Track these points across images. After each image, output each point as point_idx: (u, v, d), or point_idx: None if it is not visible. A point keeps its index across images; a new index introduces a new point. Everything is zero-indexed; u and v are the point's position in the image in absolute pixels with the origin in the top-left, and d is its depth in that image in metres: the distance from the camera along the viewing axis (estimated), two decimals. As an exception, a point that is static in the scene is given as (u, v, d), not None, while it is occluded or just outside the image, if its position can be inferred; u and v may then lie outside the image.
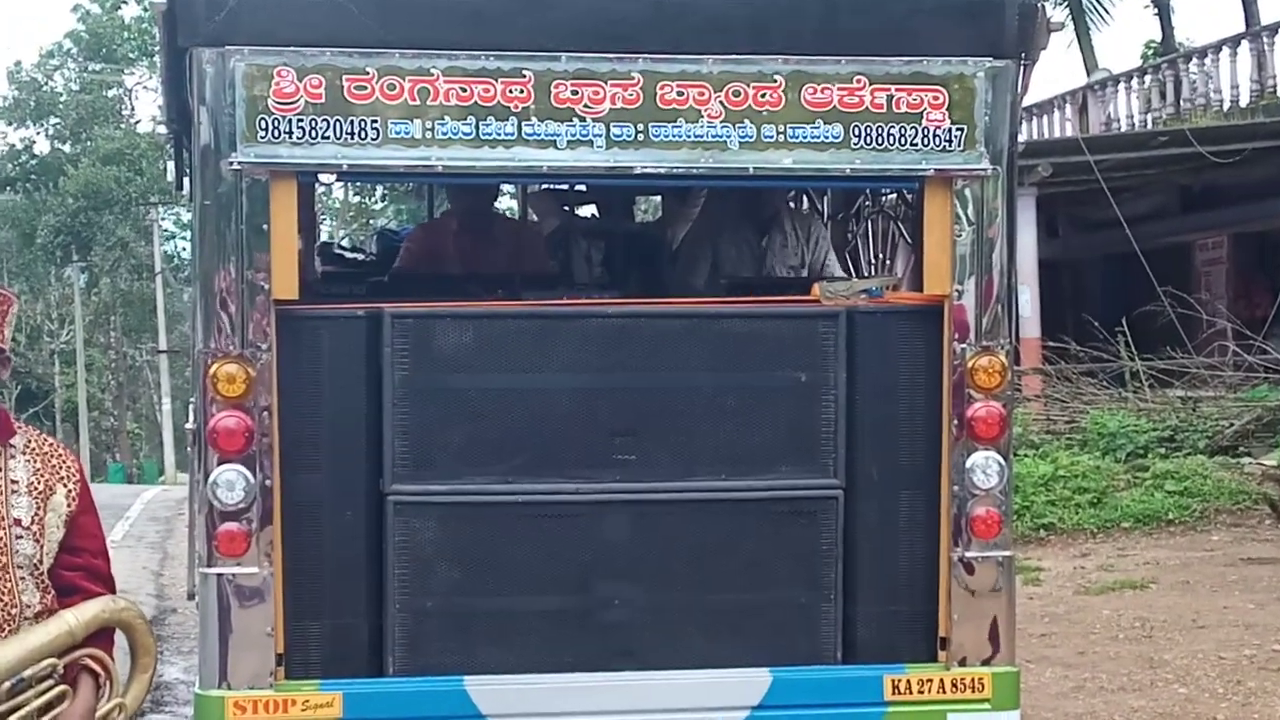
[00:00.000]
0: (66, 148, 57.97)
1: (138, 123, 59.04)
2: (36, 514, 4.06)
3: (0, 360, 4.09)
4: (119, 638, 4.16)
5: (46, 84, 59.02)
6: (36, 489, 4.08)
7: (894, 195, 7.54)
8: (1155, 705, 8.99)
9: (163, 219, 54.17)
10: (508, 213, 10.43)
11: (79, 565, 4.15)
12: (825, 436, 5.98)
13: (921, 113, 5.87)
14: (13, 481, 4.05)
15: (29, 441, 4.15)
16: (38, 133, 59.17)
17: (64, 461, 4.19)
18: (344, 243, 12.42)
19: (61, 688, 4.00)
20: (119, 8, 59.19)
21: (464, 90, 5.68)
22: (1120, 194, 21.20)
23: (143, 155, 53.40)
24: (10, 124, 58.82)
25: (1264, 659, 9.88)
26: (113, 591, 4.22)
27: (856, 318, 6.04)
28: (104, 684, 4.10)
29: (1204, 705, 8.97)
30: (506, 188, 9.73)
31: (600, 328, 6.02)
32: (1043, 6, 6.04)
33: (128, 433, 61.30)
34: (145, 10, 56.02)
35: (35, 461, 4.11)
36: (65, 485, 4.13)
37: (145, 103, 60.43)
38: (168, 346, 52.29)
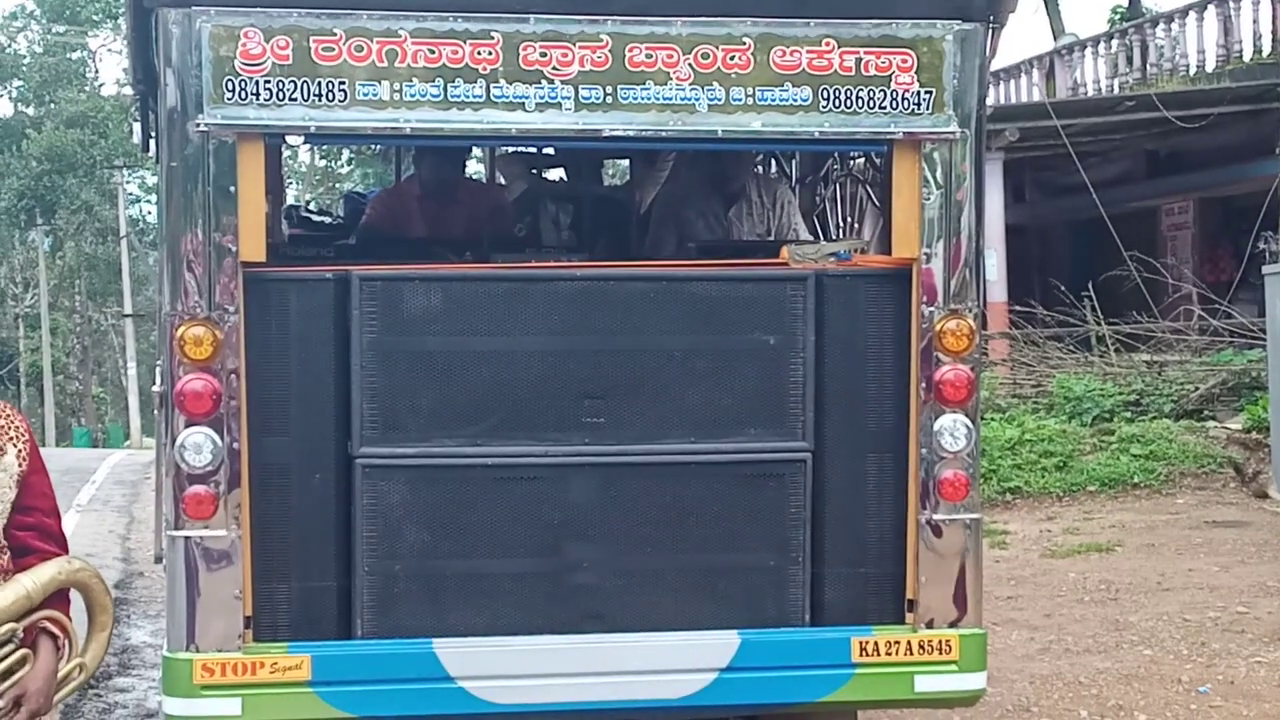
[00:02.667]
0: (30, 111, 57.64)
1: (102, 85, 58.79)
2: (-12, 475, 4.06)
3: None
4: (76, 599, 4.15)
5: (9, 46, 58.70)
6: (-13, 450, 4.07)
7: (862, 159, 7.54)
8: (1120, 667, 9.05)
9: (127, 182, 53.94)
10: (475, 176, 10.40)
11: (31, 525, 4.14)
12: (793, 399, 5.99)
13: (890, 76, 5.87)
14: (-35, 444, 4.04)
15: (-23, 403, 4.15)
16: (0, 95, 58.76)
17: (12, 422, 4.17)
18: (311, 206, 12.34)
19: (22, 652, 4.00)
20: (83, -31, 58.82)
21: (432, 52, 5.66)
22: (1087, 159, 21.27)
23: (107, 118, 53.09)
24: (-27, 87, 58.51)
25: (1228, 621, 9.95)
26: (65, 550, 4.21)
27: (825, 281, 6.05)
28: (63, 645, 4.09)
29: (1168, 666, 9.03)
30: (475, 151, 9.68)
31: (569, 291, 6.01)
32: (1012, -31, 6.04)
33: (93, 397, 61.13)
34: (109, -29, 55.77)
35: (-16, 423, 4.10)
36: (15, 445, 4.12)
37: (109, 65, 60.32)
38: (133, 310, 52.15)
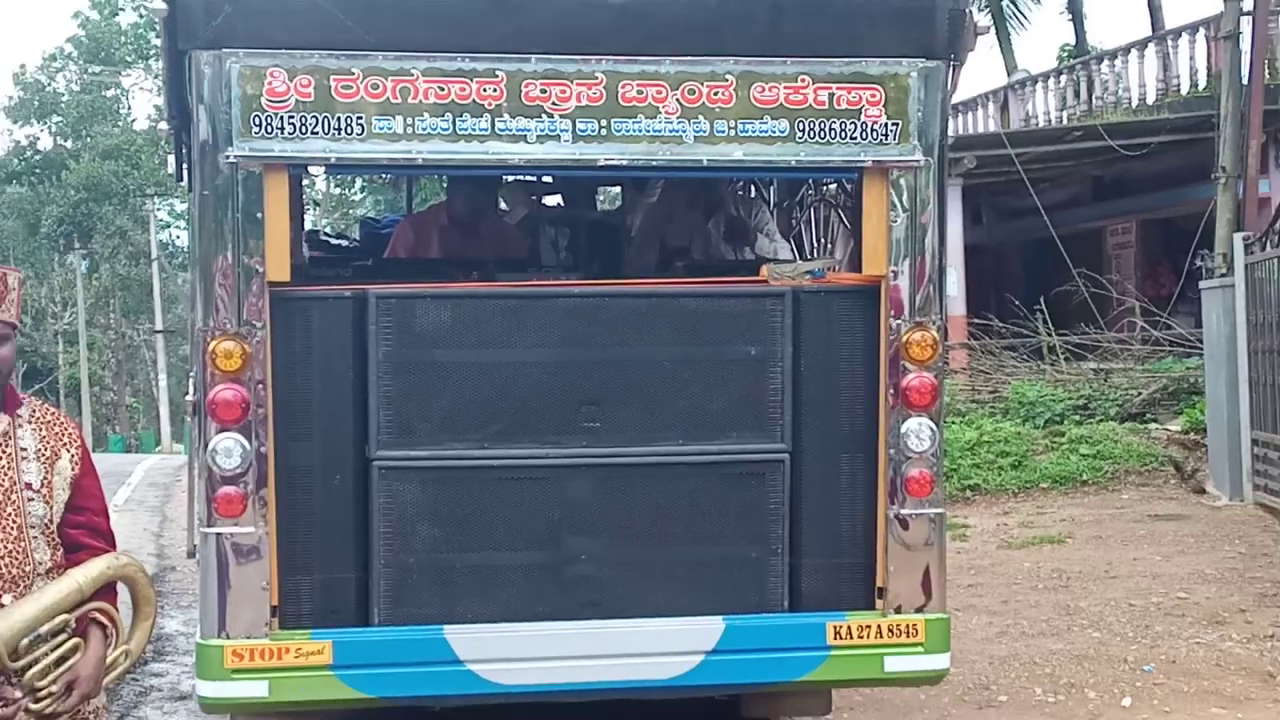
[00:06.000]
0: (68, 144, 57.45)
1: (134, 120, 58.56)
2: (45, 478, 4.06)
3: (2, 336, 4.04)
4: (121, 590, 4.16)
5: (49, 85, 58.47)
6: (44, 455, 4.07)
7: (835, 185, 7.55)
8: (1072, 648, 9.06)
9: (158, 209, 53.78)
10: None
11: (82, 523, 4.14)
12: (773, 405, 6.00)
13: (860, 109, 5.88)
14: (22, 449, 4.04)
15: (34, 412, 4.15)
16: (41, 130, 58.64)
17: (66, 429, 4.18)
18: (328, 230, 12.36)
19: (74, 640, 4.00)
20: (116, 14, 58.64)
21: (442, 89, 5.67)
22: (1038, 184, 21.31)
23: (139, 150, 52.98)
24: (16, 122, 58.28)
25: (1170, 605, 9.96)
26: (113, 546, 4.22)
27: (801, 297, 6.06)
28: (111, 634, 4.09)
29: (1115, 648, 9.04)
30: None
31: (568, 307, 6.02)
32: (970, 12, 6.06)
33: (127, 406, 60.92)
34: (141, 16, 55.65)
35: (41, 430, 4.11)
36: (69, 450, 4.13)
37: (141, 102, 60.16)
38: (164, 327, 51.99)
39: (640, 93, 5.76)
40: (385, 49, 5.63)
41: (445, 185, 8.63)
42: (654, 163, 5.91)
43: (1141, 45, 23.95)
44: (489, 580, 5.90)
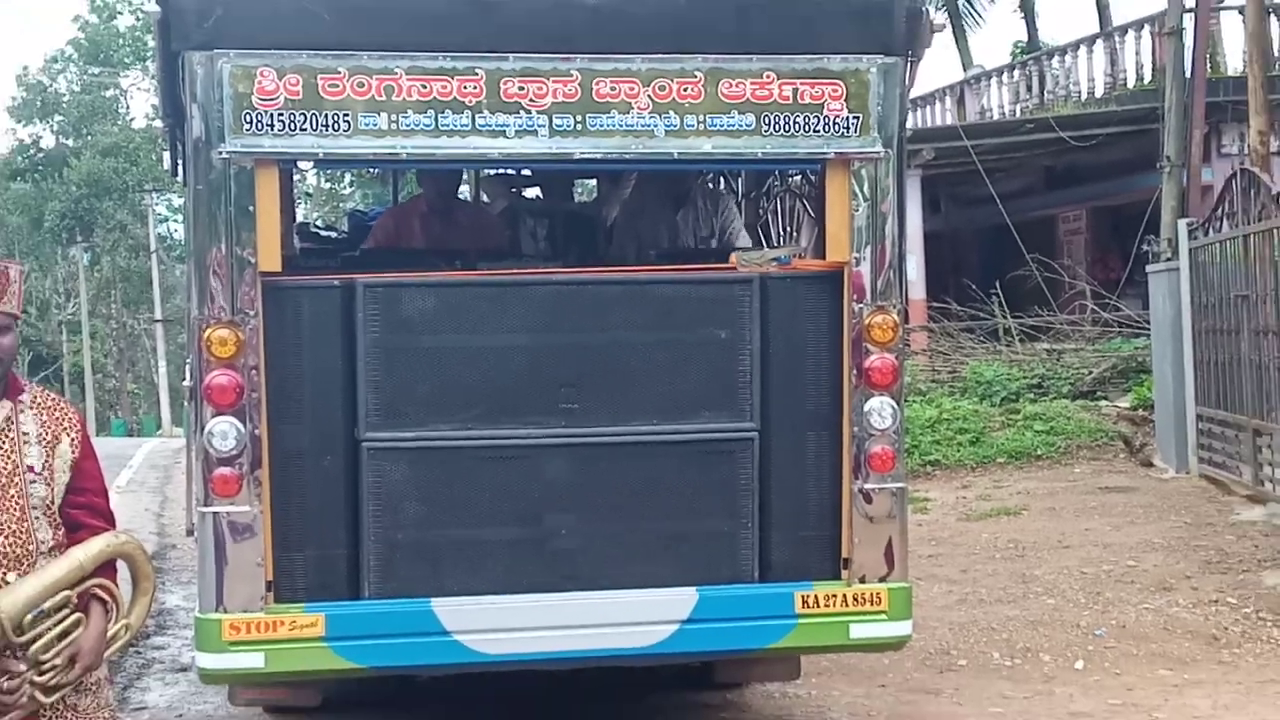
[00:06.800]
0: (70, 142, 57.13)
1: (132, 119, 58.26)
2: (46, 461, 4.04)
3: (4, 326, 4.00)
4: (121, 567, 4.14)
5: (51, 86, 58.15)
6: (45, 439, 4.05)
7: (799, 175, 7.55)
8: (1027, 614, 9.08)
9: (156, 204, 53.52)
10: (464, 196, 10.38)
11: (83, 504, 4.12)
12: (742, 386, 6.00)
13: (823, 104, 5.89)
14: (24, 433, 4.02)
15: (35, 398, 4.12)
16: (44, 129, 58.32)
17: (66, 414, 4.16)
18: (318, 223, 12.30)
19: (76, 615, 3.98)
20: (114, 18, 58.29)
21: (424, 87, 5.66)
22: (993, 174, 21.32)
23: (137, 148, 52.71)
24: (19, 121, 57.95)
25: (1120, 573, 9.99)
26: (112, 525, 4.20)
27: (768, 282, 6.06)
28: (111, 609, 4.08)
29: (1069, 613, 9.06)
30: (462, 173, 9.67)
31: (546, 294, 6.02)
32: (927, 10, 6.06)
33: (128, 392, 60.69)
34: (137, 19, 55.38)
35: (42, 415, 4.08)
36: (69, 435, 4.11)
37: (139, 101, 59.59)
38: (163, 316, 51.79)
39: (613, 89, 5.76)
40: (370, 48, 5.62)
41: (417, 176, 8.59)
42: (627, 156, 5.92)
43: (1090, 41, 23.98)
44: (474, 554, 5.89)
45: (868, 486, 6.01)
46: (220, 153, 5.57)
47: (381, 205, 11.96)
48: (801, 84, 5.87)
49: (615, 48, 5.76)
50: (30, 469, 4.01)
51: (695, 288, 6.10)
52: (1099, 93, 23.03)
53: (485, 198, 9.35)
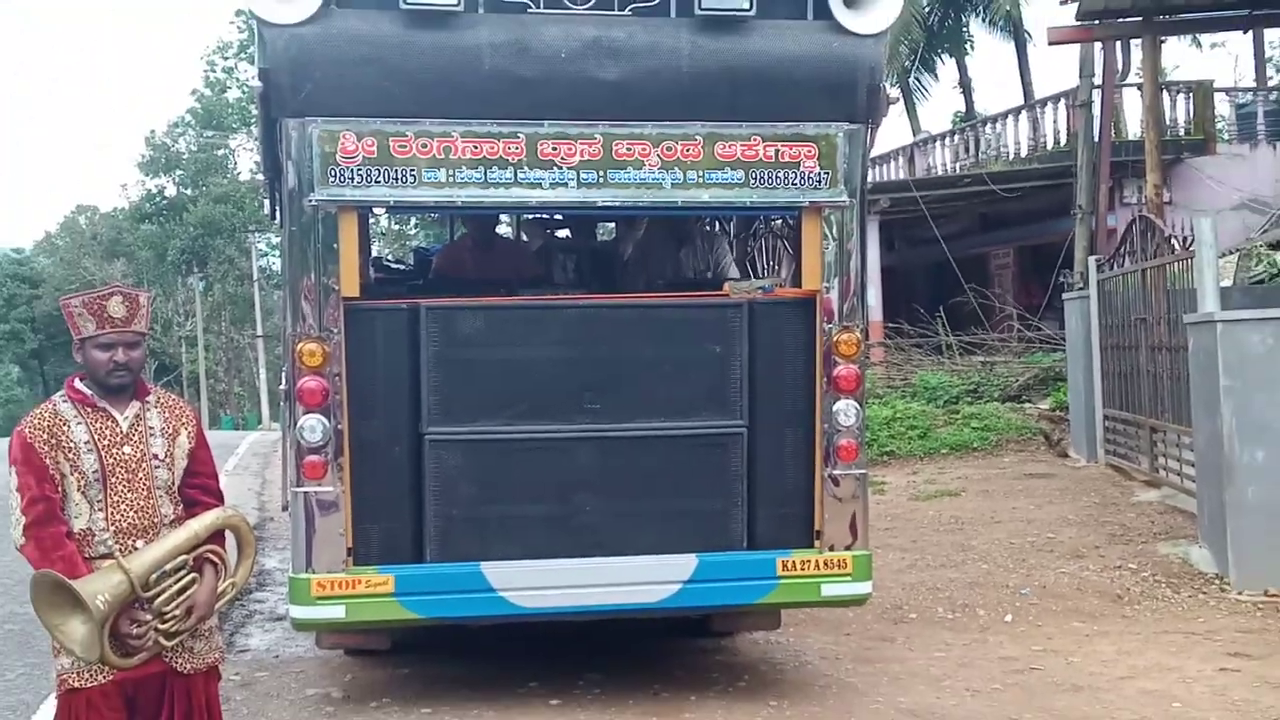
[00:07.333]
0: (188, 191, 57.25)
1: (239, 173, 58.31)
2: (168, 450, 4.05)
3: (134, 342, 4.02)
4: (229, 536, 4.15)
5: (173, 146, 58.26)
6: (167, 432, 4.06)
7: (780, 220, 7.54)
8: (965, 576, 9.06)
9: (258, 242, 53.59)
10: (507, 234, 10.38)
11: (198, 485, 4.13)
12: (733, 391, 6.01)
13: (799, 162, 5.89)
14: (150, 428, 4.03)
15: (159, 398, 4.13)
16: (167, 181, 58.40)
17: (184, 412, 4.17)
18: (389, 257, 12.31)
19: (192, 575, 3.99)
20: (225, 91, 58.38)
21: (476, 147, 5.68)
22: (937, 219, 21.29)
23: (243, 197, 52.81)
24: (147, 175, 58.02)
25: (1041, 543, 9.95)
26: (222, 501, 4.20)
27: (755, 307, 6.07)
28: (221, 570, 4.08)
29: (1000, 575, 9.04)
30: (505, 216, 9.68)
31: (574, 315, 6.04)
32: (884, 86, 6.07)
33: (234, 394, 60.72)
34: (244, 92, 55.46)
35: (165, 412, 4.09)
36: (186, 429, 4.11)
37: (244, 159, 59.65)
38: (263, 333, 51.85)
39: (629, 150, 5.77)
40: (431, 116, 5.63)
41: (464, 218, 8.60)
42: (640, 204, 5.93)
43: (1017, 112, 23.93)
44: (515, 526, 5.90)
45: (835, 472, 6.01)
46: (310, 200, 5.59)
47: (440, 244, 11.96)
48: (782, 145, 5.88)
49: (631, 116, 5.77)
50: (155, 456, 4.02)
51: (695, 311, 6.11)
52: (1024, 153, 22.98)
53: (525, 237, 9.35)
